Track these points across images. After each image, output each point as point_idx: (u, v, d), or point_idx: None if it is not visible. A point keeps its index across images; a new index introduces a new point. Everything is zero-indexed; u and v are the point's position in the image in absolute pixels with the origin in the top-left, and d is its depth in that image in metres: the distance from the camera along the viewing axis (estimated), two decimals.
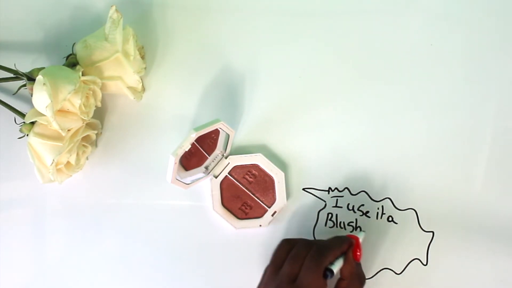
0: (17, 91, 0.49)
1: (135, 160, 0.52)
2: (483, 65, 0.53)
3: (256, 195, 0.52)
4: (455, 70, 0.53)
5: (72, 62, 0.49)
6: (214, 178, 0.51)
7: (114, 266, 0.52)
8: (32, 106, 0.46)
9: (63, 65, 0.49)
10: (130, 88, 0.50)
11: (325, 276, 0.43)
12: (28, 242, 0.52)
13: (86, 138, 0.50)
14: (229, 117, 0.52)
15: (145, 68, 0.52)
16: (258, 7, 0.54)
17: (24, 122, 0.47)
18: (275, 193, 0.51)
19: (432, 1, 0.53)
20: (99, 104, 0.50)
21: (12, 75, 0.49)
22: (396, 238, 0.51)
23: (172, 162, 0.44)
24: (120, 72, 0.49)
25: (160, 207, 0.52)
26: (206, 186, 0.51)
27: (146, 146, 0.52)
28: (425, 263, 0.51)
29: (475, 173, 0.51)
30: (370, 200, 0.51)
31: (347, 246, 0.46)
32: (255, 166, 0.51)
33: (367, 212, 0.51)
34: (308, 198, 0.52)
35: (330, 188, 0.52)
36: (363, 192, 0.51)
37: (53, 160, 0.46)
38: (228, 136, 0.49)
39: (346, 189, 0.52)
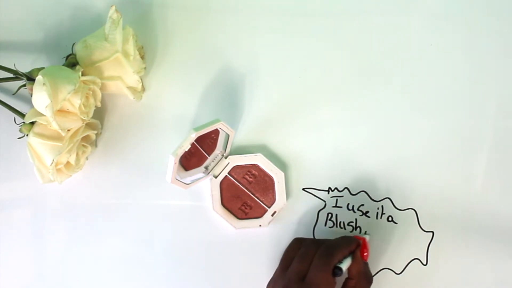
0: (17, 91, 0.49)
1: (135, 160, 0.52)
2: (483, 65, 0.53)
3: (256, 195, 0.52)
4: (455, 70, 0.53)
5: (72, 62, 0.49)
6: (214, 178, 0.51)
7: (114, 266, 0.52)
8: (32, 106, 0.46)
9: (63, 65, 0.49)
10: (130, 88, 0.50)
11: (334, 274, 0.43)
12: (28, 242, 0.52)
13: (86, 138, 0.50)
14: (229, 117, 0.52)
15: (145, 68, 0.52)
16: (258, 7, 0.54)
17: (24, 122, 0.47)
18: (275, 193, 0.51)
19: (432, 1, 0.53)
20: (99, 104, 0.50)
21: (12, 75, 0.49)
22: (396, 238, 0.51)
23: (172, 162, 0.44)
24: (120, 72, 0.49)
25: (160, 207, 0.52)
26: (206, 186, 0.51)
27: (146, 146, 0.52)
28: (425, 263, 0.51)
29: (475, 173, 0.51)
30: (370, 200, 0.51)
31: (355, 246, 0.46)
32: (255, 166, 0.51)
33: (367, 212, 0.51)
34: (308, 198, 0.52)
35: (330, 188, 0.52)
36: (363, 192, 0.51)
37: (53, 160, 0.46)
38: (228, 136, 0.49)
39: (346, 189, 0.52)
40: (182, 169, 0.49)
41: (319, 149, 0.52)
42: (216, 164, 0.51)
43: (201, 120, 0.53)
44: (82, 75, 0.46)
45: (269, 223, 0.51)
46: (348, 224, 0.51)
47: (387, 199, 0.51)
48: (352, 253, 0.46)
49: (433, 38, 0.53)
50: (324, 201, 0.52)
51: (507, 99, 0.52)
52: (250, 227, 0.51)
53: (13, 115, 0.49)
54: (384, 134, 0.52)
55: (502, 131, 0.52)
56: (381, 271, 0.51)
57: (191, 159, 0.50)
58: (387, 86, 0.53)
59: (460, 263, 0.51)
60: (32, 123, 0.47)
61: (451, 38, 0.53)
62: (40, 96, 0.44)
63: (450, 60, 0.53)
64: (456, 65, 0.53)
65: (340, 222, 0.51)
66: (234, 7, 0.54)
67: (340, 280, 0.44)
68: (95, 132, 0.51)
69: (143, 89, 0.53)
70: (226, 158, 0.51)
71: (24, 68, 0.48)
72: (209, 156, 0.51)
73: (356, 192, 0.52)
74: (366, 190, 0.51)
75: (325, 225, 0.51)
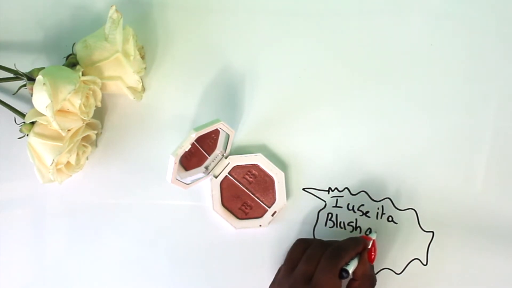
0: (17, 91, 0.49)
1: (135, 160, 0.52)
2: (483, 65, 0.53)
3: (256, 195, 0.52)
4: (455, 70, 0.53)
5: (72, 62, 0.49)
6: (214, 178, 0.51)
7: (114, 266, 0.52)
8: (32, 106, 0.46)
9: (63, 65, 0.49)
10: (130, 88, 0.50)
11: (340, 277, 0.43)
12: (28, 242, 0.52)
13: (86, 138, 0.50)
14: (229, 117, 0.52)
15: (145, 68, 0.52)
16: (258, 7, 0.54)
17: (24, 122, 0.47)
18: (275, 193, 0.51)
19: (433, 1, 0.53)
20: (99, 104, 0.50)
21: (12, 75, 0.49)
22: (396, 238, 0.51)
23: (172, 162, 0.44)
24: (120, 72, 0.49)
25: (160, 207, 0.52)
26: (206, 186, 0.51)
27: (146, 146, 0.52)
28: (425, 263, 0.51)
29: (475, 173, 0.51)
30: (370, 200, 0.51)
31: (362, 248, 0.46)
32: (255, 166, 0.51)
33: (367, 212, 0.51)
34: (308, 198, 0.52)
35: (330, 188, 0.52)
36: (363, 192, 0.51)
37: (53, 160, 0.46)
38: (228, 136, 0.49)
39: (346, 189, 0.52)
40: (182, 169, 0.49)
41: (319, 149, 0.52)
42: (216, 164, 0.51)
43: (201, 120, 0.53)
44: (82, 75, 0.46)
45: (269, 223, 0.51)
46: (348, 224, 0.51)
47: (387, 199, 0.51)
48: (359, 255, 0.46)
49: (433, 38, 0.53)
50: (324, 201, 0.52)
51: (507, 99, 0.52)
52: (250, 227, 0.51)
53: (13, 115, 0.49)
54: (384, 134, 0.52)
55: (502, 131, 0.52)
56: (381, 271, 0.51)
57: (191, 159, 0.50)
58: (387, 86, 0.53)
59: (460, 263, 0.51)
60: (33, 123, 0.47)
61: (451, 38, 0.53)
62: (40, 96, 0.44)
63: (450, 60, 0.53)
64: (456, 65, 0.53)
65: (340, 222, 0.51)
66: (234, 7, 0.54)
67: (345, 280, 0.44)
68: (95, 132, 0.51)
69: (143, 89, 0.53)
70: (226, 158, 0.51)
71: (24, 68, 0.48)
72: (209, 156, 0.51)
73: (356, 192, 0.52)
74: (366, 190, 0.51)
75: (325, 225, 0.51)
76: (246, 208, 0.51)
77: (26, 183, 0.52)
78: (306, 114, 0.52)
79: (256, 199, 0.51)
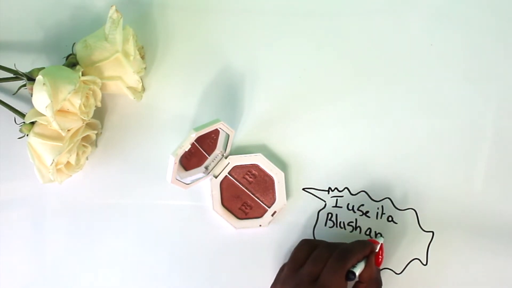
0: (17, 91, 0.49)
1: (135, 160, 0.52)
2: (483, 64, 0.53)
3: (256, 195, 0.52)
4: (455, 70, 0.53)
5: (72, 62, 0.49)
6: (214, 178, 0.51)
7: (113, 266, 0.52)
8: (32, 106, 0.46)
9: (63, 65, 0.49)
10: (130, 88, 0.50)
11: (347, 279, 0.43)
12: (28, 242, 0.52)
13: (86, 138, 0.50)
14: (229, 117, 0.52)
15: (145, 68, 0.52)
16: (258, 7, 0.54)
17: (24, 122, 0.47)
18: (275, 193, 0.51)
19: (432, 1, 0.53)
20: (99, 104, 0.50)
21: (12, 75, 0.49)
22: (396, 238, 0.51)
23: (172, 162, 0.44)
24: (120, 72, 0.49)
25: (160, 207, 0.52)
26: (206, 186, 0.51)
27: (146, 146, 0.52)
28: (425, 263, 0.51)
29: (475, 173, 0.51)
30: (370, 200, 0.51)
31: (369, 251, 0.46)
32: (255, 166, 0.51)
33: (367, 212, 0.51)
34: (308, 198, 0.52)
35: (330, 188, 0.52)
36: (363, 192, 0.51)
37: (53, 160, 0.46)
38: (228, 136, 0.49)
39: (346, 189, 0.52)
40: (182, 169, 0.49)
41: (319, 149, 0.52)
42: (216, 164, 0.51)
43: (201, 120, 0.53)
44: (82, 75, 0.46)
45: (269, 223, 0.51)
46: (348, 224, 0.51)
47: (387, 199, 0.51)
48: (365, 258, 0.46)
49: (433, 38, 0.53)
50: (324, 201, 0.52)
51: (507, 99, 0.52)
52: (250, 227, 0.51)
53: (13, 115, 0.49)
54: (384, 134, 0.52)
55: (502, 131, 0.52)
56: (381, 271, 0.51)
57: (191, 159, 0.50)
58: (387, 86, 0.53)
59: (460, 263, 0.51)
60: (32, 123, 0.47)
61: (451, 38, 0.53)
62: (40, 96, 0.44)
63: (450, 60, 0.53)
64: (456, 65, 0.53)
65: (340, 222, 0.51)
66: (234, 7, 0.54)
67: (351, 283, 0.44)
68: (95, 132, 0.51)
69: (143, 89, 0.53)
70: (226, 158, 0.51)
71: (24, 68, 0.48)
72: (209, 156, 0.51)
73: (356, 192, 0.52)
74: (366, 190, 0.51)
75: (325, 225, 0.51)
76: (246, 208, 0.51)
77: (26, 183, 0.52)
78: (306, 114, 0.52)
79: (256, 199, 0.51)
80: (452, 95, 0.52)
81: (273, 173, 0.51)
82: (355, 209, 0.51)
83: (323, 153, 0.52)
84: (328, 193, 0.52)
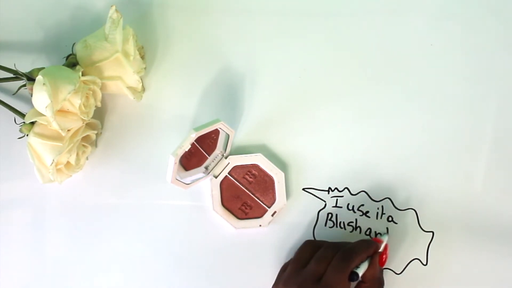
0: (17, 91, 0.49)
1: (135, 160, 0.52)
2: (483, 65, 0.53)
3: (256, 195, 0.52)
4: (455, 70, 0.53)
5: (72, 62, 0.49)
6: (214, 178, 0.51)
7: (113, 266, 0.52)
8: (32, 106, 0.46)
9: (63, 65, 0.49)
10: (130, 88, 0.50)
11: (350, 279, 0.43)
12: (28, 242, 0.52)
13: (86, 138, 0.50)
14: (229, 117, 0.52)
15: (145, 68, 0.52)
16: (258, 7, 0.54)
17: (24, 122, 0.47)
18: (275, 193, 0.51)
19: (432, 1, 0.53)
20: (99, 104, 0.50)
21: (12, 75, 0.49)
22: (396, 238, 0.51)
23: (172, 162, 0.44)
24: (120, 72, 0.49)
25: (160, 207, 0.52)
26: (206, 186, 0.51)
27: (146, 146, 0.52)
28: (425, 263, 0.51)
29: (475, 173, 0.51)
30: (370, 200, 0.51)
31: (373, 250, 0.46)
32: (255, 166, 0.51)
33: (367, 212, 0.51)
34: (308, 198, 0.52)
35: (330, 188, 0.52)
36: (363, 192, 0.51)
37: (53, 160, 0.46)
38: (228, 136, 0.49)
39: (346, 189, 0.52)
40: (182, 169, 0.49)
41: (319, 149, 0.52)
42: (216, 164, 0.51)
43: (201, 120, 0.53)
44: (82, 75, 0.46)
45: (269, 223, 0.51)
46: (348, 224, 0.51)
47: (387, 199, 0.51)
48: (369, 257, 0.46)
49: (433, 38, 0.53)
50: (324, 201, 0.52)
51: (507, 99, 0.52)
52: (250, 227, 0.51)
53: (13, 115, 0.49)
54: (384, 134, 0.52)
55: (502, 131, 0.52)
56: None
57: (191, 159, 0.50)
58: (387, 86, 0.53)
59: (460, 263, 0.51)
60: (32, 123, 0.47)
61: (451, 38, 0.53)
62: (40, 96, 0.44)
63: (450, 60, 0.53)
64: (456, 65, 0.53)
65: (340, 222, 0.51)
66: (234, 7, 0.54)
67: (353, 282, 0.44)
68: (95, 132, 0.51)
69: (143, 89, 0.53)
70: (226, 158, 0.51)
71: (24, 68, 0.48)
72: (209, 156, 0.51)
73: (356, 192, 0.52)
74: (366, 190, 0.51)
75: (325, 225, 0.51)
76: (246, 208, 0.51)
77: (26, 183, 0.52)
78: (306, 114, 0.52)
79: (256, 199, 0.51)
80: (452, 95, 0.52)
81: (273, 173, 0.51)
82: (355, 209, 0.51)
83: (323, 153, 0.52)
84: (328, 193, 0.52)
